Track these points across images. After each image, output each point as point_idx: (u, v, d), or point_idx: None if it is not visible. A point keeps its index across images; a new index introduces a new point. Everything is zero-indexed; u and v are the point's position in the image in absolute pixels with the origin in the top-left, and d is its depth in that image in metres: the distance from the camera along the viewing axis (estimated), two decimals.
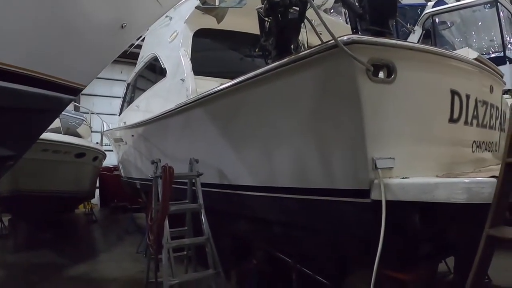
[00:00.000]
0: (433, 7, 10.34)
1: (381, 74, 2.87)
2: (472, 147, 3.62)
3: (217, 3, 5.81)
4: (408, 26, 10.10)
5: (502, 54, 9.13)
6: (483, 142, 3.79)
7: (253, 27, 4.60)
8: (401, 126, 2.98)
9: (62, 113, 7.41)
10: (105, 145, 13.22)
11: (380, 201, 2.76)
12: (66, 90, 4.34)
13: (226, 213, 5.14)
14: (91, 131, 13.46)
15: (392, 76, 2.87)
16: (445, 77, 3.23)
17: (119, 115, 11.13)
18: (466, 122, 3.40)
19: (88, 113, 14.37)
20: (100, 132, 13.58)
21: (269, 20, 3.96)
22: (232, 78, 4.02)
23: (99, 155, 11.89)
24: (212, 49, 7.04)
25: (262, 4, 3.86)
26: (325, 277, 4.39)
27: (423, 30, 10.27)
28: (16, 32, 3.52)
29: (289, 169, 3.74)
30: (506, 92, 4.59)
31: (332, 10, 7.97)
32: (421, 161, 3.08)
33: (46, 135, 8.02)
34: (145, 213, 7.28)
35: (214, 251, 4.62)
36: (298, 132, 3.50)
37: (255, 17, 4.19)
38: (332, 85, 3.03)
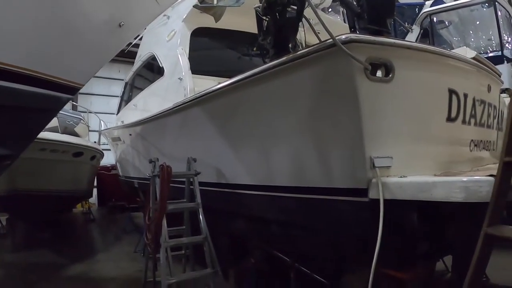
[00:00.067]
0: (431, 6, 10.34)
1: (379, 73, 2.87)
2: (470, 146, 3.62)
3: (215, 2, 5.82)
4: (406, 25, 10.08)
5: (500, 53, 9.13)
6: (481, 141, 3.79)
7: (251, 26, 4.60)
8: (399, 125, 2.98)
9: (60, 112, 7.42)
10: (103, 144, 13.20)
11: (378, 200, 2.76)
12: (63, 89, 4.34)
13: (224, 212, 5.14)
14: (89, 130, 13.43)
15: (390, 75, 2.87)
16: (443, 76, 3.23)
17: (116, 114, 11.10)
18: (464, 121, 3.40)
19: (86, 112, 14.35)
20: (98, 131, 13.56)
21: (267, 19, 3.96)
22: (230, 77, 4.01)
23: (97, 154, 11.88)
24: (210, 48, 7.04)
25: (260, 3, 3.85)
26: (323, 276, 4.40)
27: (421, 29, 10.27)
28: (13, 31, 3.51)
29: (287, 168, 3.74)
30: (503, 91, 4.58)
31: (330, 9, 7.97)
32: (419, 160, 3.08)
33: (43, 134, 7.98)
34: (143, 212, 7.29)
35: (212, 250, 4.62)
36: (296, 131, 3.49)
37: (253, 16, 4.19)
38: (330, 84, 3.03)
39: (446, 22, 10.48)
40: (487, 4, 9.43)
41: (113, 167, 14.05)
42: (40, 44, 3.80)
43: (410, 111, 3.03)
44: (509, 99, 4.62)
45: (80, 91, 5.30)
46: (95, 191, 15.36)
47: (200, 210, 4.83)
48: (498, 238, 2.35)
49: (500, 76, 4.34)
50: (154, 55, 7.48)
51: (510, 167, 2.37)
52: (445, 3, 10.18)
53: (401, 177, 2.86)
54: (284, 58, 3.25)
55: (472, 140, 3.63)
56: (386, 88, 2.88)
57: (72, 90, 4.52)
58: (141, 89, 8.48)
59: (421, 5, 10.86)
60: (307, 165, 3.47)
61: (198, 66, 5.96)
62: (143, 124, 7.15)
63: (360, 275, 3.72)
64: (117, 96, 11.90)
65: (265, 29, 4.01)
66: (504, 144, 2.38)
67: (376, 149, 2.88)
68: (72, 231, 12.60)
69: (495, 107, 4.05)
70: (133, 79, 9.70)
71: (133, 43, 9.91)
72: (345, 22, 7.07)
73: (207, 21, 5.88)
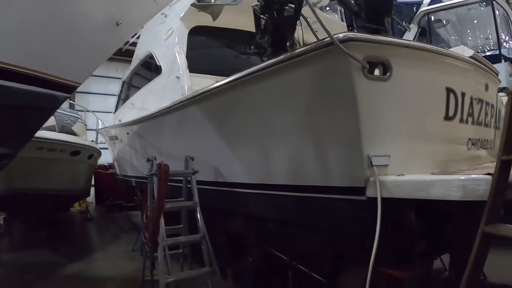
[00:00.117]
0: (428, 5, 10.34)
1: (376, 72, 2.87)
2: (467, 145, 3.62)
3: (212, 0, 5.81)
4: (404, 24, 10.10)
5: (497, 52, 9.14)
6: (478, 139, 3.80)
7: (248, 25, 4.59)
8: (396, 123, 2.98)
9: (57, 111, 7.41)
10: (100, 143, 13.19)
11: (376, 199, 2.77)
12: (60, 88, 4.33)
13: (221, 211, 5.13)
14: (86, 129, 13.43)
15: (388, 74, 2.87)
16: (440, 75, 3.23)
17: (114, 113, 11.09)
18: (461, 120, 3.41)
19: (83, 111, 14.36)
20: (95, 130, 13.54)
21: (264, 18, 3.96)
22: (228, 75, 4.01)
23: (94, 153, 11.86)
24: (208, 46, 7.02)
25: (258, 2, 3.85)
26: (321, 274, 4.40)
27: (418, 28, 10.28)
28: (10, 30, 3.50)
29: (284, 167, 3.74)
30: (501, 90, 4.59)
31: (327, 8, 7.97)
32: (416, 158, 3.09)
33: (41, 133, 7.98)
34: (141, 211, 7.28)
35: (209, 248, 4.61)
36: (294, 130, 3.49)
37: (250, 15, 4.19)
38: (328, 83, 3.03)
39: (444, 21, 10.49)
40: (484, 3, 9.44)
41: (111, 166, 14.05)
42: (37, 43, 3.79)
43: (408, 109, 3.04)
44: (506, 98, 4.63)
45: (78, 89, 5.29)
46: (92, 190, 15.34)
47: (198, 209, 4.83)
48: (495, 236, 2.36)
49: (497, 75, 4.35)
50: (151, 53, 7.47)
51: (508, 165, 2.37)
52: (443, 1, 10.17)
53: (398, 175, 2.86)
54: (281, 57, 3.25)
55: (469, 139, 3.64)
56: (384, 87, 2.89)
57: (70, 89, 4.52)
58: (139, 88, 8.46)
59: (418, 4, 10.85)
60: (304, 164, 3.47)
61: (195, 65, 5.95)
62: (141, 122, 7.14)
63: (357, 273, 3.73)
64: (115, 95, 11.88)
65: (262, 27, 4.01)
66: (502, 143, 2.38)
67: (374, 148, 2.88)
68: (69, 230, 12.58)
69: (492, 105, 4.06)
70: (130, 78, 9.67)
71: (130, 42, 9.89)
72: (342, 20, 7.09)
73: (205, 19, 5.88)
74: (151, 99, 7.21)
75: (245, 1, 4.78)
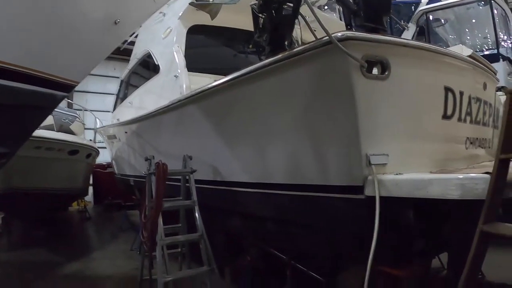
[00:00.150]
0: (427, 4, 10.35)
1: (375, 71, 2.87)
2: (465, 144, 3.62)
3: None
4: (402, 23, 10.11)
5: (495, 51, 9.15)
6: (477, 138, 3.80)
7: (247, 24, 4.60)
8: (395, 122, 2.98)
9: (55, 110, 7.39)
10: (98, 142, 13.15)
11: (374, 197, 2.77)
12: (59, 87, 4.32)
13: (220, 210, 5.13)
14: (85, 128, 13.39)
15: (386, 73, 2.87)
16: (439, 74, 3.23)
17: (112, 112, 11.08)
18: (459, 119, 3.41)
19: (81, 110, 14.32)
20: (93, 129, 13.51)
21: (263, 16, 3.96)
22: (226, 74, 4.01)
23: (92, 152, 11.83)
24: (206, 45, 7.02)
25: (256, 0, 3.85)
26: (319, 273, 4.40)
27: (417, 27, 10.29)
28: (7, 29, 3.49)
29: (283, 166, 3.74)
30: (499, 89, 4.60)
31: (326, 7, 7.97)
32: (415, 157, 3.09)
33: (39, 132, 7.96)
34: (139, 210, 7.27)
35: (208, 247, 4.61)
36: (292, 129, 3.49)
37: (249, 14, 4.19)
38: (326, 82, 3.03)
39: (442, 20, 10.50)
40: (483, 2, 9.45)
41: (109, 165, 14.03)
42: (35, 42, 3.78)
43: (406, 108, 3.04)
44: (504, 97, 4.63)
45: (76, 89, 5.28)
46: (90, 189, 15.34)
47: (196, 208, 4.83)
48: (493, 235, 2.36)
49: (495, 74, 4.36)
50: (149, 52, 7.46)
51: (506, 164, 2.38)
52: (441, 1, 10.18)
53: (397, 174, 2.86)
54: (280, 56, 3.24)
55: (467, 138, 3.64)
56: (382, 86, 2.89)
57: (68, 88, 4.51)
58: (137, 87, 8.46)
59: (417, 3, 10.86)
60: (303, 163, 3.47)
61: (194, 64, 5.95)
62: (139, 122, 7.14)
63: (356, 272, 3.73)
64: (113, 94, 11.88)
65: (261, 26, 4.01)
66: (500, 142, 2.39)
67: (372, 147, 2.88)
68: (68, 229, 12.57)
69: (490, 105, 4.06)
70: (128, 77, 9.67)
71: (128, 41, 9.89)
72: (341, 19, 7.09)
73: (203, 18, 5.87)
74: (149, 98, 7.21)
75: (243, 0, 4.77)
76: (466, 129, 3.56)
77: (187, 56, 6.00)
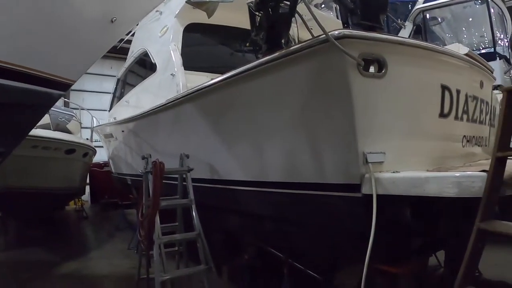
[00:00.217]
0: (424, 2, 10.36)
1: (372, 69, 2.87)
2: (462, 142, 3.63)
3: None
4: (399, 21, 10.11)
5: (492, 50, 9.17)
6: (473, 137, 3.80)
7: (243, 22, 4.59)
8: (391, 120, 2.99)
9: (52, 109, 7.37)
10: (95, 141, 13.12)
11: (371, 195, 2.77)
12: (55, 85, 4.30)
13: (217, 208, 5.13)
14: (81, 127, 13.36)
15: (383, 71, 2.87)
16: (435, 72, 3.24)
17: (109, 111, 11.05)
18: (456, 117, 3.41)
19: (78, 109, 14.28)
20: (90, 128, 13.46)
21: (259, 15, 3.96)
22: (223, 73, 4.00)
23: (89, 151, 11.79)
24: (203, 43, 7.01)
25: None
26: (317, 271, 4.40)
27: (413, 26, 10.30)
28: (2, 26, 3.47)
29: (280, 164, 3.74)
30: (496, 87, 4.61)
31: (323, 5, 7.97)
32: (411, 155, 3.10)
33: (35, 131, 7.95)
34: (136, 209, 7.26)
35: (205, 246, 4.61)
36: (289, 127, 3.49)
37: (245, 12, 4.19)
38: (323, 80, 3.03)
39: (439, 19, 10.51)
40: (480, 1, 9.47)
41: (106, 164, 14.01)
42: (31, 40, 3.77)
43: (403, 106, 3.04)
44: (501, 95, 4.65)
45: (72, 87, 5.26)
46: (87, 188, 15.30)
47: (193, 207, 4.82)
48: (490, 233, 2.36)
49: (492, 73, 4.36)
50: (146, 51, 7.45)
51: (503, 162, 2.38)
52: None
53: (394, 172, 2.87)
54: (276, 54, 3.24)
55: (464, 136, 3.64)
56: (379, 84, 2.89)
57: (64, 87, 4.49)
58: (134, 86, 8.45)
59: (414, 2, 10.88)
60: (300, 161, 3.47)
61: (190, 62, 5.94)
62: (136, 120, 7.12)
63: (353, 270, 3.73)
64: (110, 93, 11.83)
65: (258, 24, 4.01)
66: (497, 140, 2.39)
67: (369, 145, 2.89)
68: (65, 229, 12.54)
69: (487, 103, 4.07)
70: (125, 76, 9.65)
71: (125, 39, 9.86)
72: (338, 18, 7.09)
73: (200, 16, 5.87)
74: (146, 96, 7.20)
75: None
76: (463, 127, 3.57)
77: (183, 54, 5.99)
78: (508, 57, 9.71)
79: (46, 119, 9.45)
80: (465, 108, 3.51)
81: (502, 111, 2.39)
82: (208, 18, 5.66)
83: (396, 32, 10.03)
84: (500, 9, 9.77)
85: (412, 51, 3.06)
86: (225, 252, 5.58)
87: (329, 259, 4.44)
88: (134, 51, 8.72)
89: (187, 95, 4.79)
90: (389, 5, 3.59)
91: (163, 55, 6.49)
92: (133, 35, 9.32)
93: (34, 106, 4.38)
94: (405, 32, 10.06)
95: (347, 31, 2.78)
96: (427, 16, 10.29)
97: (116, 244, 9.20)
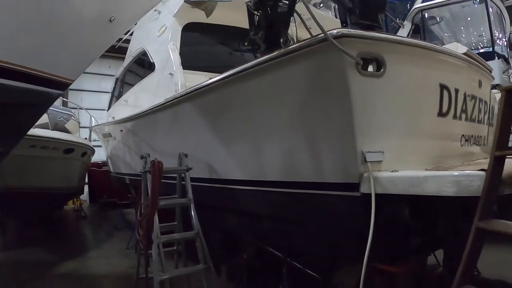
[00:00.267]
0: (422, 2, 10.36)
1: (370, 68, 2.87)
2: (461, 141, 3.63)
3: None
4: (398, 21, 10.12)
5: (491, 49, 9.18)
6: (472, 136, 3.81)
7: (242, 21, 4.58)
8: (390, 119, 2.99)
9: (50, 108, 7.37)
10: (93, 140, 13.12)
11: (370, 195, 2.77)
12: (53, 85, 4.30)
13: (216, 208, 5.13)
14: (80, 127, 13.37)
15: (382, 70, 2.87)
16: (434, 71, 3.24)
17: (107, 110, 11.05)
18: (455, 116, 3.41)
19: (76, 108, 14.26)
20: (88, 127, 13.47)
21: (258, 14, 3.95)
22: (221, 72, 4.00)
23: (87, 151, 11.80)
24: (201, 43, 7.00)
25: None
26: (315, 270, 4.41)
27: (412, 25, 10.29)
28: (0, 25, 3.46)
29: (278, 163, 3.73)
30: (494, 87, 4.61)
31: (321, 5, 7.98)
32: (410, 154, 3.10)
33: (34, 131, 7.93)
34: (135, 209, 7.27)
35: (204, 245, 4.60)
36: (288, 126, 3.49)
37: (244, 11, 4.18)
38: (322, 79, 3.03)
39: (438, 18, 10.50)
40: (478, 0, 9.48)
41: (104, 163, 14.01)
42: (29, 39, 3.76)
43: (402, 105, 3.04)
44: (499, 94, 4.65)
45: (71, 87, 5.26)
46: (86, 188, 15.30)
47: (192, 206, 4.81)
48: (489, 232, 2.37)
49: (491, 72, 4.36)
50: (145, 50, 7.44)
51: (501, 161, 2.39)
52: None
53: (392, 171, 2.87)
54: (275, 53, 3.24)
55: (463, 135, 3.65)
56: (378, 83, 2.89)
57: (62, 86, 4.48)
58: (132, 85, 8.43)
59: (412, 1, 10.88)
60: (298, 160, 3.47)
61: (189, 62, 5.94)
62: (134, 120, 7.12)
63: (352, 269, 3.74)
64: (108, 92, 11.83)
65: (256, 24, 4.00)
66: (495, 139, 2.40)
67: (368, 144, 2.89)
68: (63, 228, 12.55)
69: (485, 102, 4.07)
70: (123, 75, 9.64)
71: (123, 39, 9.85)
72: (336, 17, 7.10)
73: (198, 16, 5.87)
74: (144, 96, 7.19)
75: None
76: (461, 126, 3.57)
77: (182, 53, 5.99)
78: (507, 57, 9.72)
79: (44, 118, 9.49)
80: (464, 107, 3.51)
81: (501, 110, 2.39)
82: (207, 17, 5.66)
83: (394, 31, 10.04)
84: (499, 8, 9.77)
85: (411, 51, 3.06)
86: (223, 252, 5.58)
87: (327, 258, 4.45)
88: (132, 51, 8.71)
89: (185, 94, 4.79)
90: (387, 4, 3.59)
91: (161, 54, 6.48)
92: (131, 34, 9.32)
93: (32, 105, 4.37)
94: (404, 32, 10.06)
95: (345, 30, 2.77)
96: (426, 15, 10.28)
97: (114, 243, 9.21)
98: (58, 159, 9.98)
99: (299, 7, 3.61)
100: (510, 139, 2.46)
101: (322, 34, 2.72)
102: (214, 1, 5.53)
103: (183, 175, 5.06)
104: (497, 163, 2.37)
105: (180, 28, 6.36)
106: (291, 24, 3.94)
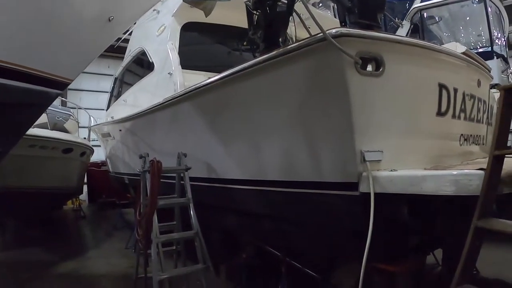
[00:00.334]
0: (421, 1, 10.36)
1: (369, 67, 2.87)
2: (459, 140, 3.64)
3: None
4: (396, 20, 10.12)
5: (489, 49, 9.19)
6: (471, 135, 3.81)
7: (241, 21, 4.58)
8: (389, 119, 2.99)
9: (49, 108, 7.36)
10: (92, 140, 13.11)
11: (369, 194, 2.77)
12: (52, 84, 4.28)
13: (215, 207, 5.12)
14: (79, 126, 13.34)
15: (381, 69, 2.87)
16: (433, 71, 3.24)
17: (106, 110, 11.05)
18: (453, 116, 3.42)
19: (75, 108, 14.24)
20: (87, 127, 13.46)
21: (257, 13, 3.95)
22: (220, 71, 4.00)
23: (86, 151, 11.77)
24: (200, 42, 7.00)
25: None
26: (314, 270, 4.41)
27: (411, 25, 10.30)
28: None
29: (277, 163, 3.73)
30: (493, 86, 4.62)
31: (320, 4, 7.98)
32: (409, 154, 3.10)
33: (32, 131, 7.90)
34: (134, 208, 7.26)
35: (203, 245, 4.60)
36: (287, 126, 3.49)
37: (243, 10, 4.18)
38: (321, 78, 3.03)
39: (436, 18, 10.51)
40: (477, 0, 9.48)
41: (103, 163, 14.00)
42: (28, 39, 3.75)
43: (401, 105, 3.04)
44: (498, 94, 4.66)
45: (69, 87, 5.27)
46: (85, 187, 15.29)
47: (191, 205, 4.82)
48: (488, 231, 2.37)
49: (489, 71, 4.37)
50: (144, 50, 7.44)
51: (500, 160, 2.39)
52: None
53: (391, 171, 2.87)
54: (274, 52, 3.24)
55: (462, 135, 3.65)
56: (377, 82, 2.89)
57: (61, 86, 4.47)
58: (131, 85, 8.43)
59: (411, 1, 10.89)
60: (297, 159, 3.47)
61: (188, 61, 5.94)
62: (133, 119, 7.11)
63: (351, 268, 3.74)
64: (107, 92, 11.82)
65: (255, 23, 4.00)
66: (494, 138, 2.40)
67: (367, 143, 2.89)
68: (62, 228, 12.52)
69: (484, 102, 4.07)
70: (122, 75, 9.64)
71: (122, 38, 9.85)
72: (335, 17, 7.10)
73: (197, 15, 5.86)
74: (143, 95, 7.19)
75: None
76: (460, 126, 3.57)
77: (181, 53, 5.99)
78: (506, 56, 9.74)
79: (43, 118, 9.47)
80: (463, 106, 3.52)
81: (499, 110, 2.40)
82: (206, 17, 5.66)
83: (393, 31, 10.05)
84: (498, 8, 9.78)
85: (410, 50, 3.07)
86: (223, 251, 5.58)
87: (327, 258, 4.45)
88: (131, 50, 8.71)
89: (184, 94, 4.78)
90: (386, 4, 3.59)
91: (160, 54, 6.48)
92: (130, 34, 9.31)
93: (31, 105, 4.36)
94: (403, 31, 10.06)
95: (344, 30, 2.77)
96: (425, 15, 10.29)
97: (113, 243, 9.20)
98: (57, 159, 9.96)
99: (298, 6, 3.61)
100: (509, 138, 2.46)
101: (321, 34, 2.72)
102: (213, 0, 5.53)
103: (182, 174, 5.06)
104: (496, 162, 2.38)
105: (179, 28, 6.36)
106: (290, 23, 3.93)
